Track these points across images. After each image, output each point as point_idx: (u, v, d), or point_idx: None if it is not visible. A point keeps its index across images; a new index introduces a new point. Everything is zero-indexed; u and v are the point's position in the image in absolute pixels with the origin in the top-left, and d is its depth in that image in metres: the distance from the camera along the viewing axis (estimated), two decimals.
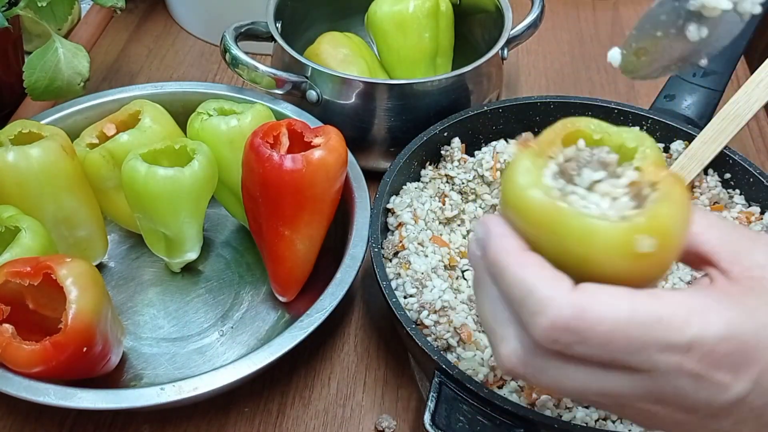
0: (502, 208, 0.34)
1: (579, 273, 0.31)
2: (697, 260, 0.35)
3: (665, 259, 0.32)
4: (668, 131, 0.65)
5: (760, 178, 0.60)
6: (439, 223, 0.62)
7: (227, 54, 0.67)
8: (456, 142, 0.65)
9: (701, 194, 0.62)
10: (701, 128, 0.62)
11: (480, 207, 0.63)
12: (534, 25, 0.76)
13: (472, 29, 0.80)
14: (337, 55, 0.73)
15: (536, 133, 0.61)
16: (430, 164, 0.65)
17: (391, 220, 0.61)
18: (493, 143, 0.65)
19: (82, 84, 0.68)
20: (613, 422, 0.49)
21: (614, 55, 0.38)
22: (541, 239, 0.32)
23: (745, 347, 0.30)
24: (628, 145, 0.34)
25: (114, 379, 0.56)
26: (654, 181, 0.32)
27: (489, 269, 0.34)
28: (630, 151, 0.34)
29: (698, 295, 0.31)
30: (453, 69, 0.78)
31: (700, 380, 0.30)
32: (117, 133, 0.59)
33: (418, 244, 0.58)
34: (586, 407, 0.49)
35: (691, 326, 0.30)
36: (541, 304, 0.31)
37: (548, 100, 0.66)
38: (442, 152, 0.65)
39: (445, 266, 0.59)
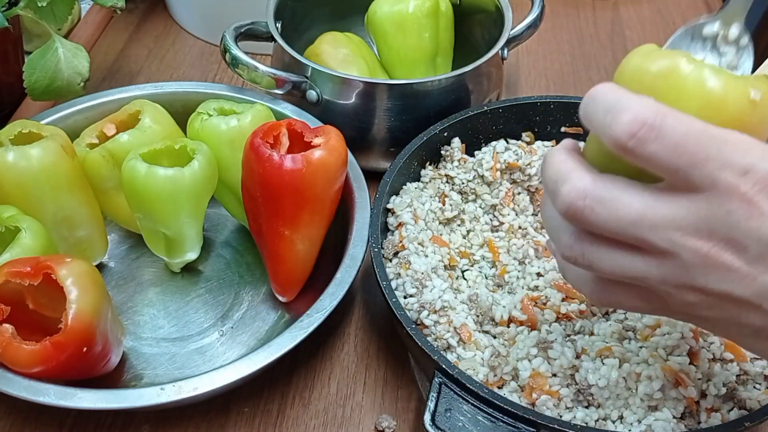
0: (618, 77, 0.38)
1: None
2: None
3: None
4: None
5: None
6: (439, 223, 0.62)
7: (227, 54, 0.67)
8: (456, 142, 0.65)
9: None
10: None
11: (480, 207, 0.63)
12: (534, 25, 0.76)
13: (472, 29, 0.80)
14: (337, 55, 0.73)
15: (536, 134, 0.61)
16: (430, 164, 0.65)
17: (391, 220, 0.61)
18: (493, 143, 0.65)
19: (82, 84, 0.68)
20: (613, 422, 0.49)
21: None
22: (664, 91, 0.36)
23: None
24: None
25: (114, 379, 0.56)
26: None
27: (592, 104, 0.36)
28: None
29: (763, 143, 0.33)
30: (453, 69, 0.78)
31: (751, 206, 0.32)
32: (117, 133, 0.60)
33: (418, 244, 0.58)
34: (586, 407, 0.49)
35: (752, 153, 0.33)
36: (625, 105, 0.34)
37: (548, 100, 0.66)
38: (442, 152, 0.65)
39: (445, 266, 0.59)
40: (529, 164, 0.63)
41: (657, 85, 0.36)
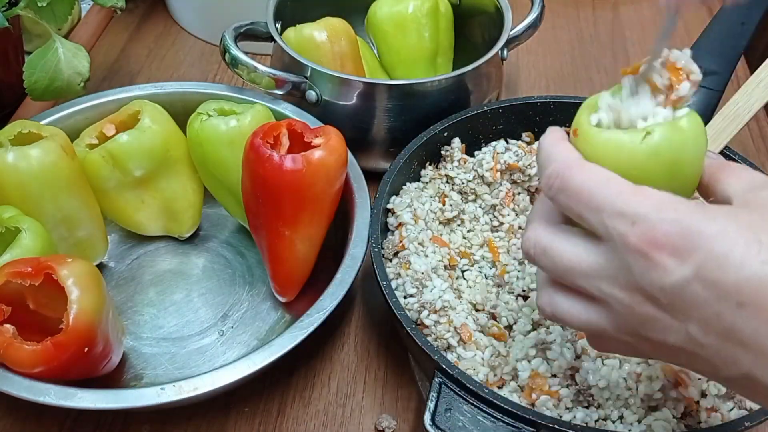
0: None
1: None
2: (723, 202, 0.38)
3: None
4: None
5: None
6: (439, 223, 0.62)
7: (227, 54, 0.67)
8: (456, 142, 0.65)
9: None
10: None
11: (480, 207, 0.63)
12: (534, 25, 0.76)
13: (472, 29, 0.80)
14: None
15: (536, 134, 0.61)
16: (430, 164, 0.65)
17: (391, 220, 0.61)
18: (493, 143, 0.65)
19: (82, 84, 0.68)
20: (613, 422, 0.49)
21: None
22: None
23: (686, 232, 0.32)
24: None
25: (114, 379, 0.56)
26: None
27: (537, 157, 0.41)
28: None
29: (671, 196, 0.34)
30: (453, 69, 0.78)
31: (646, 259, 0.33)
32: (117, 133, 0.59)
33: (418, 244, 0.58)
34: (586, 407, 0.49)
35: (642, 204, 0.34)
36: (551, 160, 0.38)
37: (548, 100, 0.66)
38: (442, 152, 0.65)
39: (445, 266, 0.59)
40: (529, 165, 0.62)
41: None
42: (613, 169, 0.36)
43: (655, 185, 0.35)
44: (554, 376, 0.50)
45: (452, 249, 0.60)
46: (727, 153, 0.62)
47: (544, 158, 0.39)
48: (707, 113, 0.68)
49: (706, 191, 0.39)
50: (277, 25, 0.72)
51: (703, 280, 0.32)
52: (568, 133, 0.41)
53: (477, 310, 0.56)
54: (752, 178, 0.37)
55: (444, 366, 0.48)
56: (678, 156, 0.38)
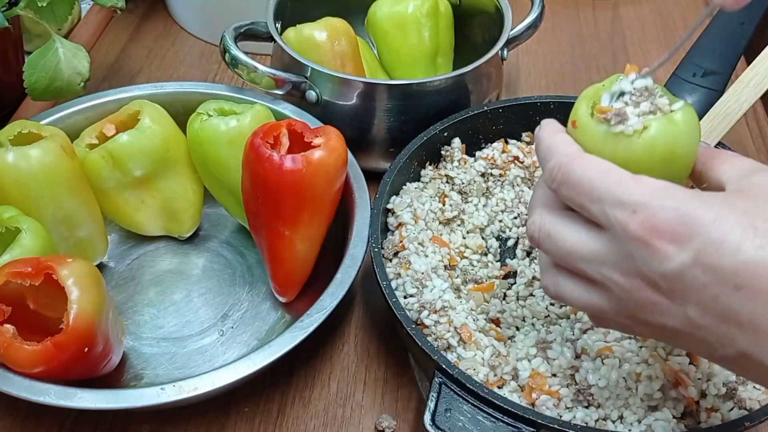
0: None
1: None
2: (717, 189, 0.39)
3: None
4: None
5: None
6: (439, 223, 0.62)
7: (227, 54, 0.67)
8: (456, 142, 0.65)
9: None
10: None
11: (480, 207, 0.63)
12: (534, 26, 0.76)
13: (472, 29, 0.80)
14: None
15: None
16: (430, 164, 0.65)
17: (391, 220, 0.61)
18: (494, 143, 0.65)
19: (82, 84, 0.68)
20: (613, 422, 0.49)
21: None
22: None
23: (685, 219, 0.34)
24: None
25: (114, 379, 0.56)
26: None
27: (536, 150, 0.42)
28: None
29: (668, 184, 0.35)
30: (453, 69, 0.78)
31: (647, 246, 0.34)
32: (117, 133, 0.59)
33: (418, 244, 0.58)
34: (586, 407, 0.49)
35: (641, 193, 0.35)
36: (552, 153, 0.39)
37: (548, 100, 0.66)
38: (443, 152, 0.65)
39: (445, 266, 0.59)
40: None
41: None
42: (611, 160, 0.38)
43: (651, 175, 0.36)
44: (554, 375, 0.50)
45: (452, 249, 0.60)
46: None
47: (544, 151, 0.40)
48: (707, 113, 0.68)
49: (699, 178, 0.41)
50: (277, 25, 0.72)
51: (701, 265, 0.33)
52: (564, 124, 0.42)
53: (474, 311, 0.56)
54: (743, 164, 0.39)
55: (444, 366, 0.48)
56: (673, 148, 0.39)
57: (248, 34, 0.71)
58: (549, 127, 0.42)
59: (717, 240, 0.33)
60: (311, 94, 0.68)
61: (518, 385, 0.51)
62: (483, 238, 0.62)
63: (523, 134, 0.67)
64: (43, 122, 0.62)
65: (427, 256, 0.58)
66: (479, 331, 0.54)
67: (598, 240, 0.37)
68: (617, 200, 0.35)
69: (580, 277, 0.39)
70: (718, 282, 0.33)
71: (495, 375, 0.51)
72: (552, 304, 0.56)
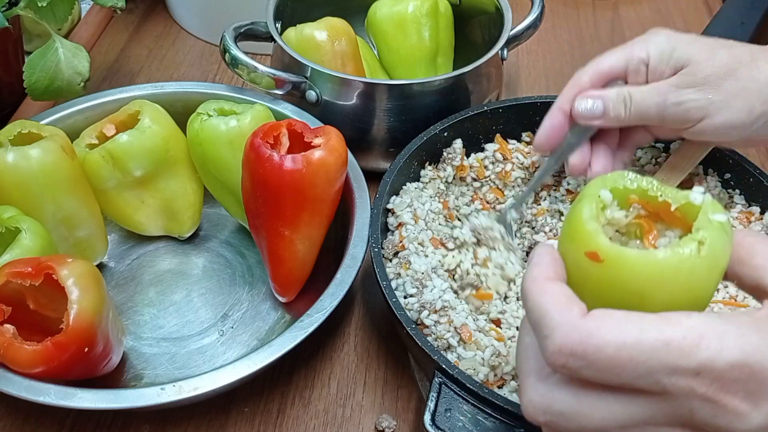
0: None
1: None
2: (759, 293, 0.35)
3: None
4: None
5: (760, 178, 0.60)
6: (439, 223, 0.62)
7: (227, 54, 0.67)
8: (458, 143, 0.65)
9: None
10: None
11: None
12: (534, 25, 0.76)
13: (472, 29, 0.80)
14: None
15: (536, 134, 0.60)
16: (430, 164, 0.65)
17: (391, 220, 0.61)
18: (493, 144, 0.65)
19: (82, 84, 0.68)
20: None
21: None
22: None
23: (759, 375, 0.30)
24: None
25: (114, 379, 0.56)
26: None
27: (525, 308, 0.35)
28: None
29: (716, 320, 0.31)
30: (453, 69, 0.78)
31: (715, 406, 0.30)
32: (117, 133, 0.60)
33: (418, 244, 0.58)
34: None
35: (701, 350, 0.30)
36: (550, 328, 0.32)
37: (548, 100, 0.66)
38: (444, 154, 0.65)
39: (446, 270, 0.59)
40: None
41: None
42: (668, 295, 0.32)
43: (708, 298, 0.33)
44: None
45: (450, 252, 0.60)
46: (727, 153, 0.62)
47: (536, 320, 0.33)
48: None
49: (731, 276, 0.36)
50: (277, 25, 0.72)
51: None
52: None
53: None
54: None
55: (444, 366, 0.48)
56: (728, 255, 0.34)
57: (248, 34, 0.71)
58: (537, 271, 0.34)
59: None
60: (311, 94, 0.68)
61: (518, 385, 0.51)
62: None
63: (523, 134, 0.67)
64: (43, 122, 0.62)
65: (427, 256, 0.58)
66: (479, 331, 0.54)
67: (640, 405, 0.32)
68: (674, 368, 0.30)
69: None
70: None
71: (495, 375, 0.51)
72: None
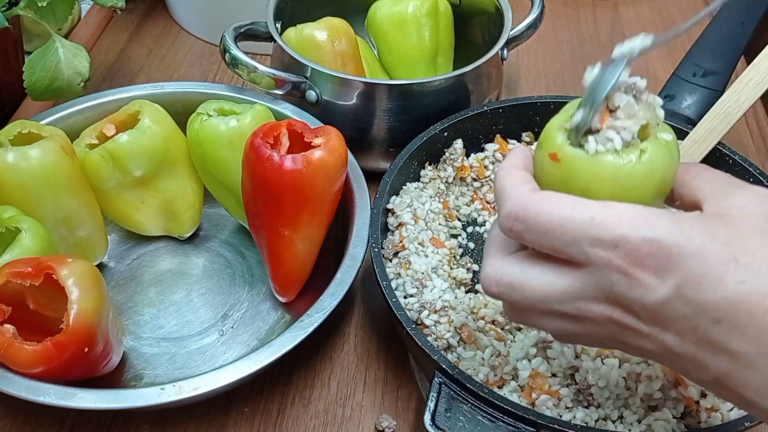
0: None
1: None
2: (691, 206, 0.39)
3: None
4: None
5: (760, 178, 0.60)
6: (439, 223, 0.62)
7: (227, 54, 0.67)
8: (458, 144, 0.65)
9: None
10: None
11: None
12: (534, 26, 0.76)
13: (472, 29, 0.80)
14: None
15: (536, 134, 0.61)
16: (430, 164, 0.65)
17: (391, 220, 0.61)
18: (493, 144, 0.65)
19: (82, 84, 0.68)
20: (613, 422, 0.49)
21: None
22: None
23: (667, 252, 0.34)
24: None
25: (114, 379, 0.56)
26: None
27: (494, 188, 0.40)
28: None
29: (642, 208, 0.35)
30: (453, 69, 0.78)
31: (630, 278, 0.34)
32: (116, 133, 0.60)
33: (418, 244, 0.58)
34: (586, 407, 0.49)
35: (619, 227, 0.34)
36: (504, 199, 0.38)
37: (548, 100, 0.66)
38: (446, 154, 0.65)
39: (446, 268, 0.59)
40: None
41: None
42: (610, 193, 0.37)
43: (641, 201, 0.36)
44: (554, 375, 0.50)
45: (450, 251, 0.60)
46: (727, 153, 0.62)
47: (498, 196, 0.39)
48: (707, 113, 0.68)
49: (671, 196, 0.40)
50: (277, 25, 0.72)
51: (682, 297, 0.34)
52: (529, 140, 0.40)
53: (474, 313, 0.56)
54: (717, 178, 0.39)
55: (444, 366, 0.48)
56: (667, 169, 0.38)
57: (248, 34, 0.71)
58: (508, 162, 0.40)
59: (699, 274, 0.33)
60: (311, 94, 0.68)
61: (518, 385, 0.51)
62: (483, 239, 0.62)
63: (523, 134, 0.67)
64: (43, 122, 0.62)
65: (427, 256, 0.58)
66: (479, 331, 0.54)
67: (572, 277, 0.36)
68: (596, 239, 0.35)
69: (553, 313, 0.38)
70: (697, 314, 0.34)
71: (495, 375, 0.51)
72: None
